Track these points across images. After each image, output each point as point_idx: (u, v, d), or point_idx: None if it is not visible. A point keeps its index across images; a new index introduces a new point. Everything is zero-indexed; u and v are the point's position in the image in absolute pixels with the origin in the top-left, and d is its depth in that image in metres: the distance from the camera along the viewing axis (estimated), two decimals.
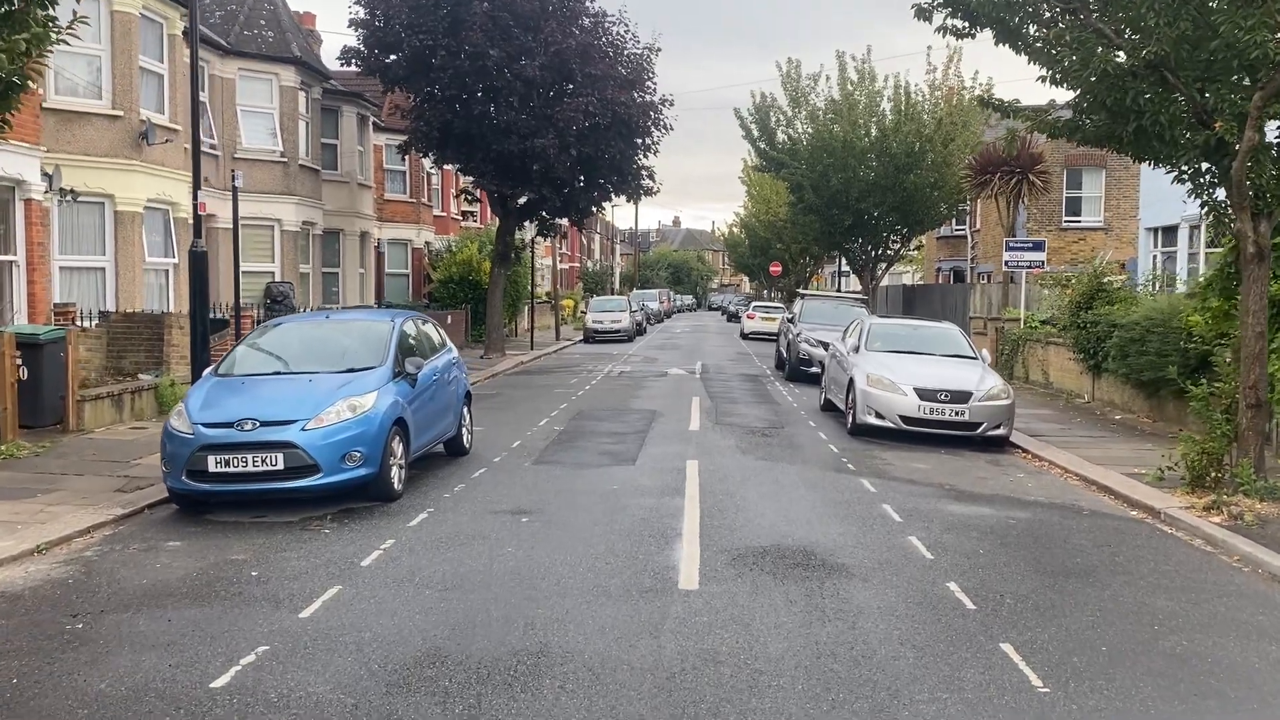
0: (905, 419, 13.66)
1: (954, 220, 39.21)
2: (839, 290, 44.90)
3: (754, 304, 49.88)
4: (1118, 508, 10.13)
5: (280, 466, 8.62)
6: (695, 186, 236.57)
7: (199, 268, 12.81)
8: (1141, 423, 16.10)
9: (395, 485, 9.37)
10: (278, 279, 24.59)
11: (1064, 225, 34.13)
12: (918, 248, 37.02)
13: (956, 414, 13.57)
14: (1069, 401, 18.85)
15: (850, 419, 14.43)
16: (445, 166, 31.52)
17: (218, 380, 9.61)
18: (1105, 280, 19.02)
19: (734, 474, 10.91)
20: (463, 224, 44.71)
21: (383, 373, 9.66)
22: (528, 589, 6.73)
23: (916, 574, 7.29)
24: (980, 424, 13.63)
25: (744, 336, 42.06)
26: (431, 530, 8.31)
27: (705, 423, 15.19)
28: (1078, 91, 10.83)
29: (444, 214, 40.93)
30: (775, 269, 60.48)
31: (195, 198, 13.13)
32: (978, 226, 40.85)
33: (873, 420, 13.89)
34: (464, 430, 12.01)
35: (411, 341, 10.78)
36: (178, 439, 8.78)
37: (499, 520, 8.65)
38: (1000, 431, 13.80)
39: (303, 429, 8.72)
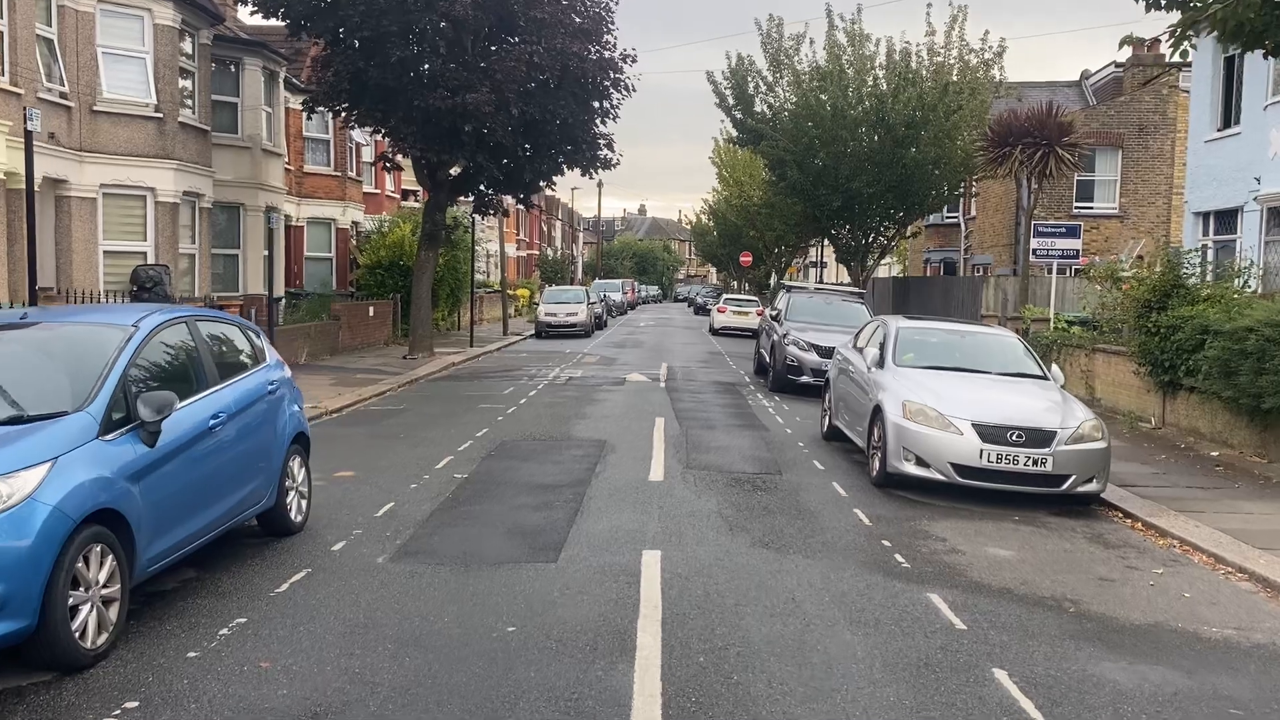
0: (961, 469, 9.42)
1: (944, 206, 35.21)
2: (820, 282, 40.76)
3: (725, 297, 45.64)
4: None
5: None
6: (662, 179, 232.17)
7: None
8: (1252, 462, 12.01)
9: (83, 644, 4.95)
10: (151, 261, 19.96)
11: (1075, 211, 30.13)
12: (914, 234, 32.86)
13: (1035, 463, 9.35)
14: (1133, 427, 14.74)
15: (876, 464, 10.18)
16: (359, 128, 26.30)
17: None
18: (1182, 273, 14.98)
19: (721, 585, 6.57)
20: (402, 203, 40.07)
21: (78, 424, 5.22)
22: None
23: None
24: (1068, 477, 9.43)
25: (714, 332, 37.84)
26: None
27: (672, 464, 10.86)
28: None
29: (377, 191, 36.26)
30: (746, 259, 56.30)
31: None
32: (972, 213, 36.89)
33: (911, 469, 9.63)
34: (292, 495, 7.60)
35: (173, 361, 6.35)
36: None
37: None
38: (1092, 487, 9.62)
39: None
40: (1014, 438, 9.39)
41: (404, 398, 16.91)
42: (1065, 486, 9.45)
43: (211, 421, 6.30)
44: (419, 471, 10.13)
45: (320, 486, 9.22)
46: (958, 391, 10.08)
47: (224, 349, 7.09)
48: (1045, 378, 10.98)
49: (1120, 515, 9.58)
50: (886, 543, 7.88)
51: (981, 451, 9.34)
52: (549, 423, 13.77)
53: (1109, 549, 8.26)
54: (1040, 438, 9.43)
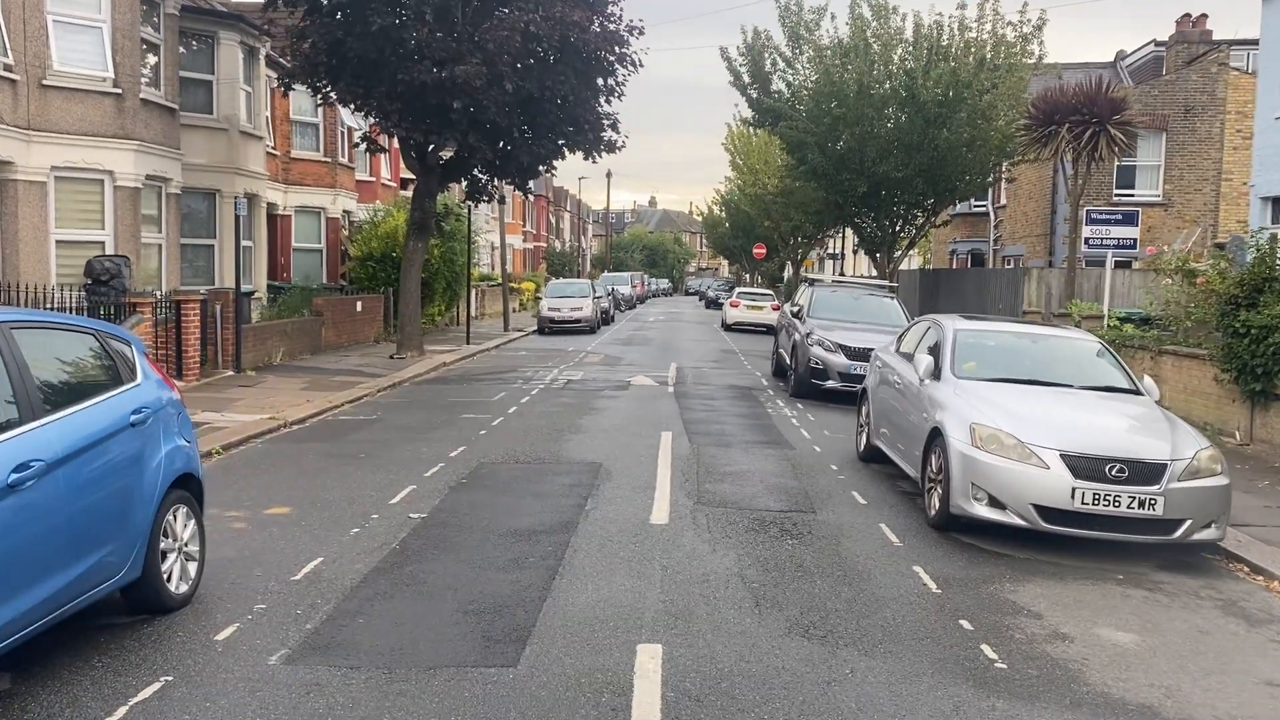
0: (1046, 513, 7.41)
1: (977, 193, 33.06)
2: (839, 274, 38.67)
3: (738, 290, 43.56)
4: None
5: None
6: (673, 170, 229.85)
7: None
8: None
9: None
10: (110, 251, 18.12)
11: (1115, 199, 28.03)
12: (944, 223, 30.73)
13: (1141, 503, 7.34)
14: (1214, 441, 12.66)
15: (935, 501, 8.18)
16: (340, 105, 24.14)
17: None
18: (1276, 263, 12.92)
19: (749, 711, 4.57)
20: (400, 191, 38.10)
21: None
22: None
23: None
24: (1182, 522, 7.43)
25: (726, 328, 35.90)
26: None
27: (680, 498, 8.89)
28: None
29: (371, 178, 34.33)
30: (760, 251, 54.20)
31: None
32: (1002, 201, 34.76)
33: (983, 511, 7.64)
34: (171, 559, 5.68)
35: None
36: None
37: None
38: (1210, 534, 7.62)
39: None
40: (1114, 472, 7.39)
41: (380, 405, 14.99)
42: (1179, 534, 7.45)
43: (14, 476, 4.37)
44: (369, 508, 8.20)
45: (239, 531, 7.32)
46: (1037, 412, 8.08)
47: (59, 367, 5.15)
48: (1138, 392, 8.97)
49: (1246, 570, 7.58)
50: (966, 624, 5.90)
51: (1074, 491, 7.33)
52: (538, 439, 11.82)
53: (1254, 626, 6.27)
54: (1147, 472, 7.42)
